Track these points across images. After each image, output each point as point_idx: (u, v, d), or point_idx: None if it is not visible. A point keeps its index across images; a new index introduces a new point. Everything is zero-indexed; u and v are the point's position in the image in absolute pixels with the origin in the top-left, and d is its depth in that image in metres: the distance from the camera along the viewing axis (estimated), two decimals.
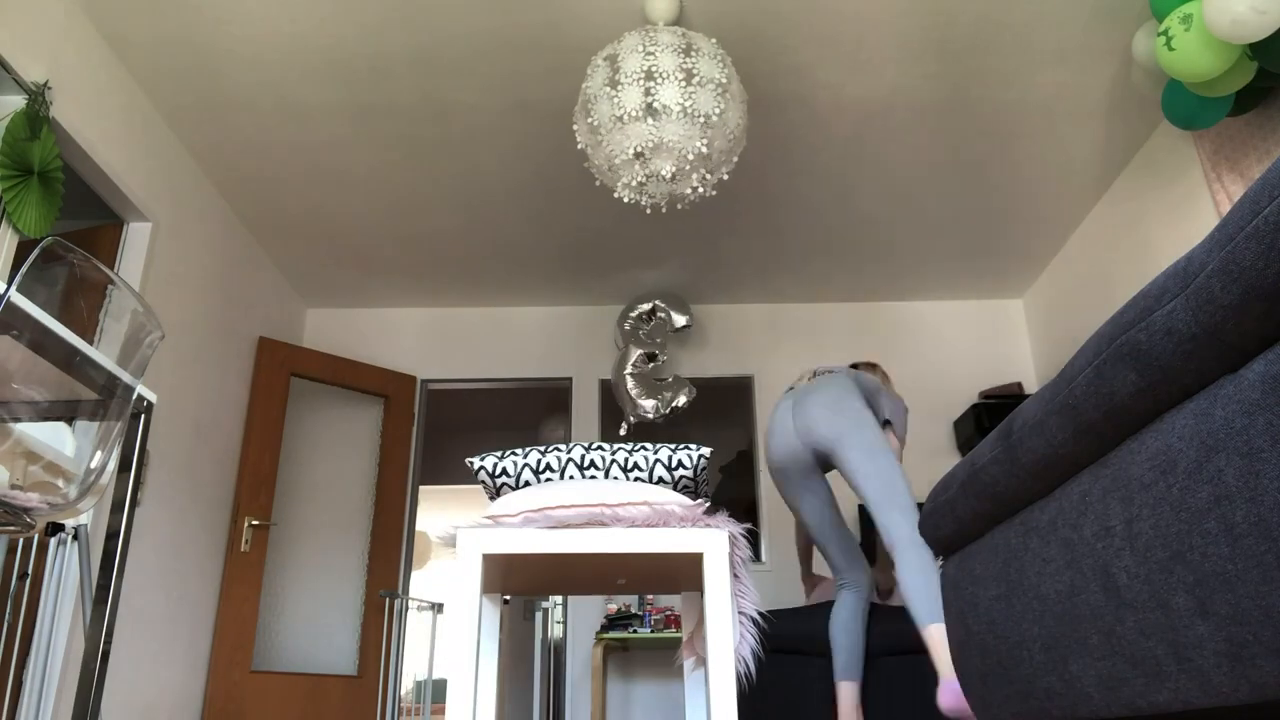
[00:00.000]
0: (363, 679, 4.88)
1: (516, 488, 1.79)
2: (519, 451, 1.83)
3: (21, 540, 3.08)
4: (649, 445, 1.82)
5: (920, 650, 2.94)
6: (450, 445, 8.07)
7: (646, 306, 5.35)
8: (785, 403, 3.19)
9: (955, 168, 4.43)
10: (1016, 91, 3.90)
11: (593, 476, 1.76)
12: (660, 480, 1.79)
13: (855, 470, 2.88)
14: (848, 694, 2.92)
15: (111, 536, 1.96)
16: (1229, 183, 3.50)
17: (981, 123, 4.11)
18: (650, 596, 4.94)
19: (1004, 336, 5.68)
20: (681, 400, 5.09)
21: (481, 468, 1.82)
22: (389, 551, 5.16)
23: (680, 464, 1.79)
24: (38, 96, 3.08)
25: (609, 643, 4.79)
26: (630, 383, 5.13)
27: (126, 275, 3.83)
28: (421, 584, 9.99)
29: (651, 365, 5.26)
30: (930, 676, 2.93)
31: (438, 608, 5.06)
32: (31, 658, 3.09)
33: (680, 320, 5.29)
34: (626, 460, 1.78)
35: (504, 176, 4.45)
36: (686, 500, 1.70)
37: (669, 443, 1.82)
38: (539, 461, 1.78)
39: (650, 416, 5.16)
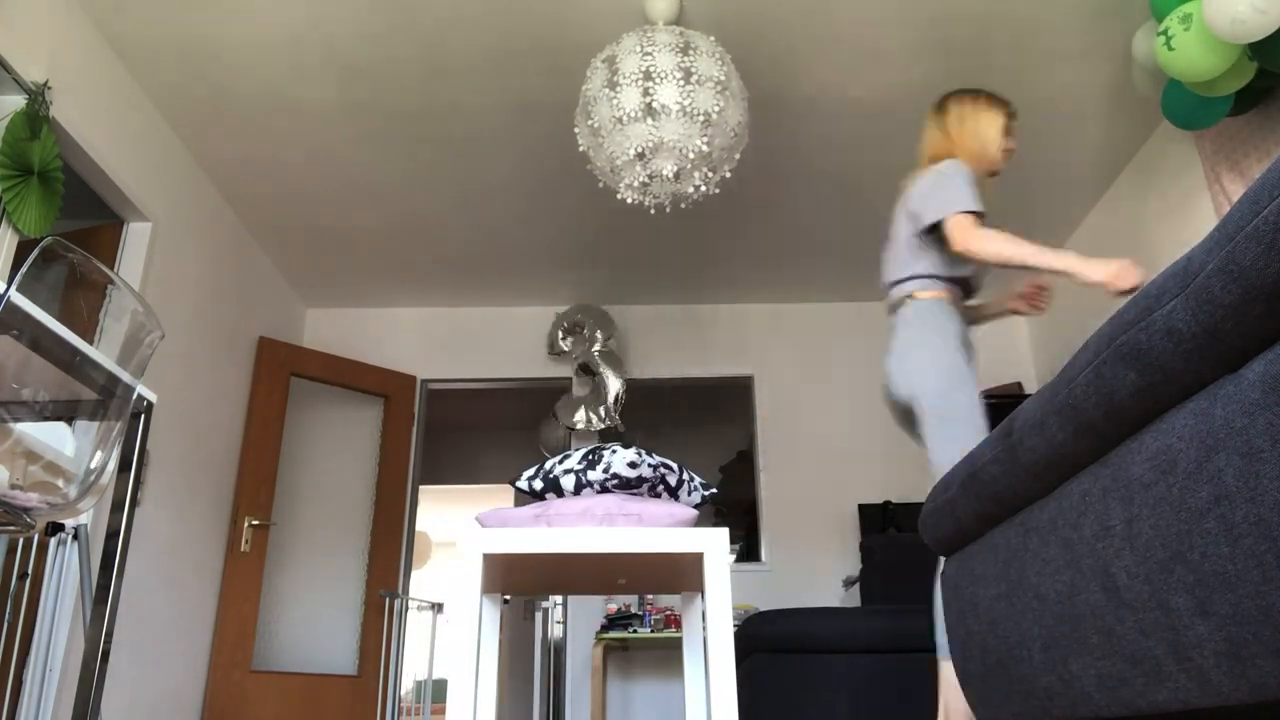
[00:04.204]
0: (363, 679, 4.88)
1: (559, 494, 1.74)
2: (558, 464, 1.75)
3: (21, 540, 3.08)
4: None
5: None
6: (450, 445, 8.07)
7: (575, 319, 5.38)
8: None
9: None
10: (1017, 91, 3.90)
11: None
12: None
13: None
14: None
15: (111, 536, 1.96)
16: (1229, 183, 3.50)
17: None
18: (650, 596, 4.94)
19: (1004, 336, 5.68)
20: (613, 390, 5.08)
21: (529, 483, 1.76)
22: (389, 551, 5.16)
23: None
24: (38, 96, 3.08)
25: (609, 643, 4.79)
26: (564, 413, 5.21)
27: (126, 275, 3.83)
28: (421, 584, 9.99)
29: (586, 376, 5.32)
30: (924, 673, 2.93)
31: (438, 608, 5.06)
32: (31, 658, 3.09)
33: (602, 339, 5.32)
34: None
35: (504, 176, 4.45)
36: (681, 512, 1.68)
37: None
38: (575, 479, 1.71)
39: (591, 428, 5.21)
